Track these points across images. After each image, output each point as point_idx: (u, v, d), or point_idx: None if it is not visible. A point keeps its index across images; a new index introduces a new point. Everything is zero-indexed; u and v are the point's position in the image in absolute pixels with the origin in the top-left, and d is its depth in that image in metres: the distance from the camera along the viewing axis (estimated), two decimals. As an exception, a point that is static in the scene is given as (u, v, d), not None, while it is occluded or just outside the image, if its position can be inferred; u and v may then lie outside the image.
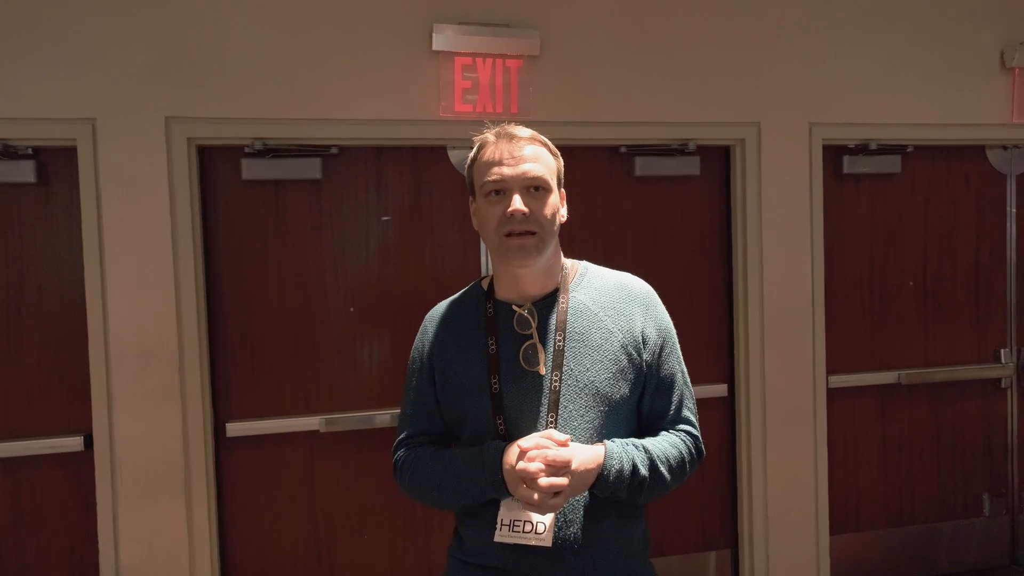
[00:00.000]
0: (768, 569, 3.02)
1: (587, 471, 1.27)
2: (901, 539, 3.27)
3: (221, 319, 2.68)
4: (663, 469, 1.34)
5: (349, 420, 2.73)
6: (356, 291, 2.78)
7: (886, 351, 3.22)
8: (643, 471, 1.32)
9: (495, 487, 1.30)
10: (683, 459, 1.39)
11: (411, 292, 2.80)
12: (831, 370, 3.11)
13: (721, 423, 3.10)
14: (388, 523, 2.82)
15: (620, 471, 1.30)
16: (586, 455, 1.28)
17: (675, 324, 1.48)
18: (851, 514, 3.21)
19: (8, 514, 2.55)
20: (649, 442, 1.37)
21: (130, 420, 2.51)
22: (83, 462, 2.56)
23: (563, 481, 1.23)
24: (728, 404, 3.10)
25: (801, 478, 3.04)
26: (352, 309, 2.78)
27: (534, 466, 1.23)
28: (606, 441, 1.33)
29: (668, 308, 1.49)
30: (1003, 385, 3.34)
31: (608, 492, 1.31)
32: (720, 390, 3.07)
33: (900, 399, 3.24)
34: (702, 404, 2.99)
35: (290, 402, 2.74)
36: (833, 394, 3.12)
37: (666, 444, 1.38)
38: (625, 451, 1.32)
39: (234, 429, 2.66)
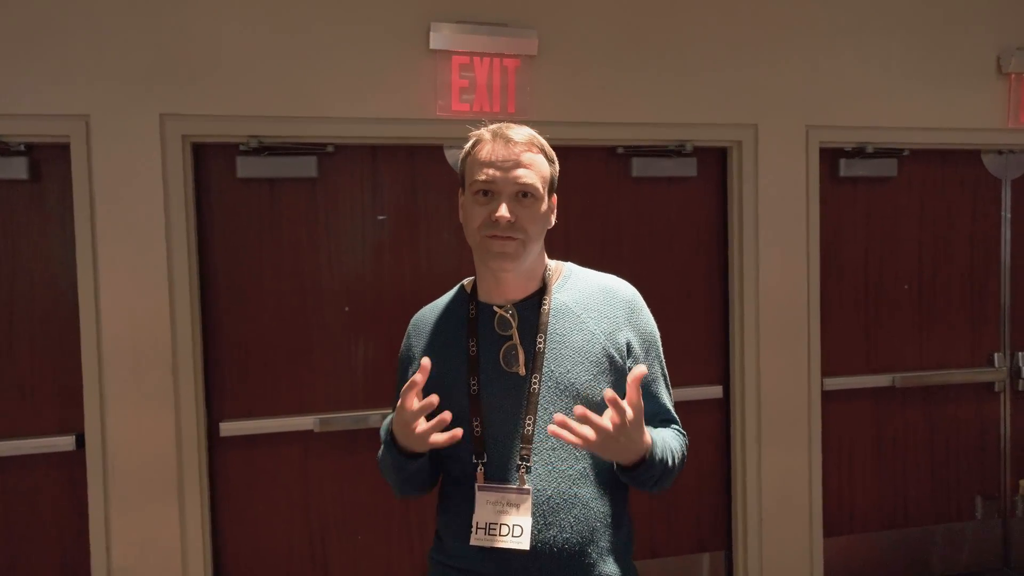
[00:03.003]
0: (761, 571, 3.02)
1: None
2: (894, 541, 3.28)
3: (215, 318, 2.66)
4: (676, 460, 1.35)
5: (344, 420, 2.72)
6: (351, 290, 2.77)
7: (881, 354, 3.23)
8: (671, 460, 1.32)
9: (391, 444, 1.32)
10: (684, 454, 1.40)
11: (406, 292, 2.79)
12: (826, 372, 3.11)
13: (716, 424, 3.10)
14: (383, 524, 2.81)
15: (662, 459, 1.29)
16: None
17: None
18: (845, 516, 3.22)
19: (-2, 513, 2.53)
20: (665, 434, 1.37)
21: (123, 419, 2.49)
22: (75, 462, 2.53)
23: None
24: (723, 405, 3.10)
25: (795, 480, 3.05)
26: (347, 308, 2.76)
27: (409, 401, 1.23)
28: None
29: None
30: (996, 389, 3.35)
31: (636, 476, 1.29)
32: (715, 391, 3.07)
33: (894, 402, 3.25)
34: (697, 406, 3.06)
35: (284, 402, 2.72)
36: (828, 396, 3.13)
37: (670, 438, 1.37)
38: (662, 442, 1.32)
39: (228, 429, 2.65)
